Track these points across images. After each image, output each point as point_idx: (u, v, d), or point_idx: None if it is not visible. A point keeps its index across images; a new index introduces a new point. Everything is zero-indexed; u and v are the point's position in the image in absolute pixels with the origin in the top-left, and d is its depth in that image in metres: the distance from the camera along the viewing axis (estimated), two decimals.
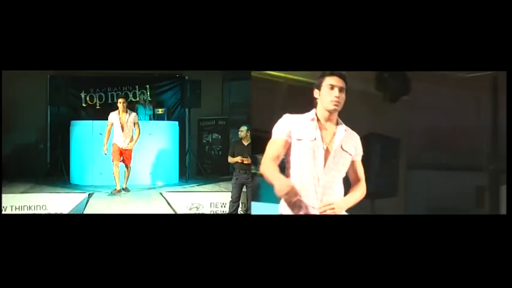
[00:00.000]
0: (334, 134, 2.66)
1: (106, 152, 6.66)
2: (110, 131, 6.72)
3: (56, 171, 7.84)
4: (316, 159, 2.61)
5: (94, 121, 7.52)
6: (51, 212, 5.96)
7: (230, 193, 6.15)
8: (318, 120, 2.66)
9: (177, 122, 8.42)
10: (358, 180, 2.79)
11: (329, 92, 2.62)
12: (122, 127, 6.70)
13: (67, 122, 7.88)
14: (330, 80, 2.63)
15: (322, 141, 2.64)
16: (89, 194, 6.49)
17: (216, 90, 9.43)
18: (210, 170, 8.77)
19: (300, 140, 2.63)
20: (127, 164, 6.86)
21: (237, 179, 6.07)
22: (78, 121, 7.88)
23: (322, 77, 2.66)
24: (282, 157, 2.67)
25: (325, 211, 2.58)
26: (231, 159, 6.28)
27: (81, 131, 7.62)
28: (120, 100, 6.78)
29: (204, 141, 9.11)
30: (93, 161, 7.35)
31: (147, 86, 8.98)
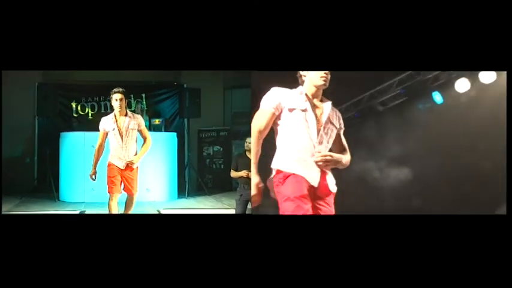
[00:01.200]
0: (322, 108, 2.90)
1: (95, 176, 4.70)
2: (102, 145, 4.73)
3: (43, 188, 7.63)
4: (310, 129, 2.84)
5: (86, 132, 7.15)
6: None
7: (234, 210, 5.89)
8: (306, 95, 2.90)
9: (175, 133, 8.16)
10: (344, 149, 3.04)
11: None
12: (120, 136, 4.64)
13: (56, 134, 7.69)
14: None
15: (313, 113, 2.87)
16: (80, 212, 6.24)
17: (217, 99, 9.27)
18: (212, 185, 8.63)
19: (292, 109, 2.84)
20: (130, 194, 4.73)
21: (241, 195, 5.71)
22: (69, 133, 7.66)
23: None
24: (268, 129, 2.87)
25: (322, 160, 2.81)
26: (234, 174, 6.04)
27: (72, 143, 7.38)
28: (117, 96, 4.57)
29: (205, 153, 8.94)
30: (85, 176, 6.56)
31: (143, 95, 8.77)
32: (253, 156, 2.87)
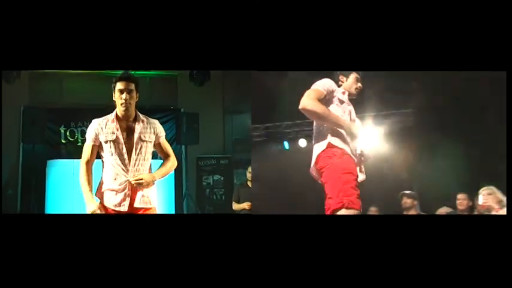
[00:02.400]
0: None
1: (100, 211, 3.21)
2: (91, 163, 3.33)
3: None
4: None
5: (75, 160, 6.74)
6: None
7: None
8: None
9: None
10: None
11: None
12: (126, 153, 3.25)
13: (43, 162, 7.52)
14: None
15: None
16: None
17: (217, 124, 9.21)
18: None
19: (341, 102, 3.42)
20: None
21: None
22: (57, 160, 7.51)
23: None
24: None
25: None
26: (236, 206, 6.09)
27: (60, 172, 7.21)
28: (122, 85, 3.23)
29: (204, 183, 8.77)
30: (74, 208, 6.65)
31: None
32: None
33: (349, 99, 3.44)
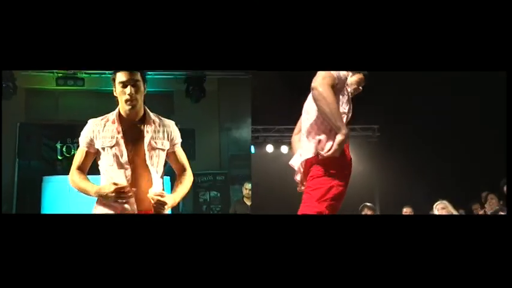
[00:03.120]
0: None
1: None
2: (82, 168, 2.73)
3: None
4: None
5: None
6: None
7: None
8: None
9: (168, 177, 7.69)
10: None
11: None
12: (130, 164, 2.63)
13: (39, 178, 7.62)
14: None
15: None
16: None
17: (213, 140, 9.20)
18: None
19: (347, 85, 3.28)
20: None
21: None
22: (53, 177, 7.52)
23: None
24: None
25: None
26: None
27: (56, 188, 7.23)
28: (124, 76, 2.65)
29: (201, 199, 8.74)
30: None
31: None
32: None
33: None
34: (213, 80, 8.89)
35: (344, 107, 3.01)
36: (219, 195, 8.67)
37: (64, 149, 8.23)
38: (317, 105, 2.86)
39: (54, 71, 7.91)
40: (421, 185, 7.45)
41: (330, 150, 2.81)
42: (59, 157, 8.22)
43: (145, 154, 2.59)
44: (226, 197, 8.53)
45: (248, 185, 6.51)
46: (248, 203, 6.39)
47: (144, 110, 2.65)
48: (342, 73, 2.98)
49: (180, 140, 2.84)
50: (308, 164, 2.92)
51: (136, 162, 2.60)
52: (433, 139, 8.12)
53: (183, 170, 2.84)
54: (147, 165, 2.60)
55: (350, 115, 3.08)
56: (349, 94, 3.13)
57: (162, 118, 2.73)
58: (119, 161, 2.56)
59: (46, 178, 7.39)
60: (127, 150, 2.58)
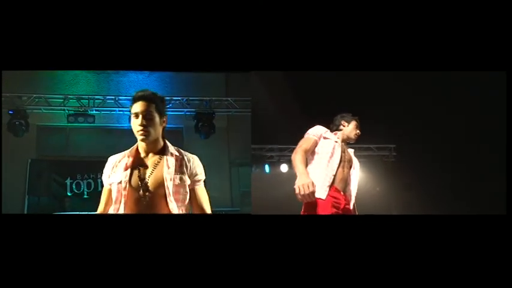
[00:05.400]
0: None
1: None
2: (107, 209, 2.59)
3: None
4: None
5: (80, 213, 6.83)
6: None
7: None
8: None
9: None
10: None
11: None
12: (142, 202, 2.46)
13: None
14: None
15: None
16: None
17: (223, 177, 9.07)
18: None
19: (326, 138, 3.54)
20: None
21: None
22: (61, 213, 7.36)
23: None
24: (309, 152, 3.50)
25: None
26: None
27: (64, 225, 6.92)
28: (137, 107, 2.48)
29: None
30: None
31: None
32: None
33: (347, 143, 3.68)
34: (223, 117, 8.92)
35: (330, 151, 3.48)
36: None
37: (74, 185, 8.22)
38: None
39: (66, 108, 8.01)
40: (438, 205, 7.38)
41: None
42: (68, 193, 8.19)
43: (164, 189, 2.42)
44: None
45: None
46: None
47: (165, 143, 2.50)
48: (318, 131, 3.50)
49: (204, 177, 2.58)
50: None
51: (154, 199, 2.43)
52: (450, 158, 8.04)
53: (202, 211, 2.59)
54: (167, 201, 2.42)
55: (342, 153, 3.52)
56: (334, 141, 3.53)
57: (184, 152, 2.56)
58: (132, 197, 2.42)
59: (54, 215, 7.17)
60: (140, 185, 2.43)
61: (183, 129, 8.94)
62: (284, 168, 8.69)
